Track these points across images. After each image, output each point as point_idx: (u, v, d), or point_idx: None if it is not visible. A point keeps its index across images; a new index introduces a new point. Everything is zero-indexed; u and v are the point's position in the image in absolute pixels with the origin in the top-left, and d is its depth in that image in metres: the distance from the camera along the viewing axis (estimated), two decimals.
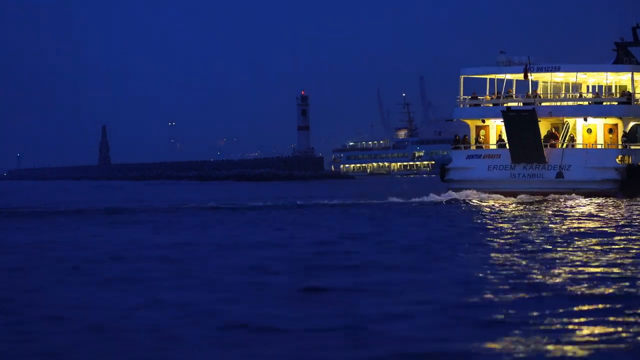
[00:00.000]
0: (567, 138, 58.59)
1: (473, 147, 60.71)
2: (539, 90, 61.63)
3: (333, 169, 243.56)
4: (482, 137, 60.97)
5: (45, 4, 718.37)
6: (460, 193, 58.19)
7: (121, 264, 24.94)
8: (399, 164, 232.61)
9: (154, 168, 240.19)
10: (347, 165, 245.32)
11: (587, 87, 64.75)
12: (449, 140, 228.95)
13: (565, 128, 58.75)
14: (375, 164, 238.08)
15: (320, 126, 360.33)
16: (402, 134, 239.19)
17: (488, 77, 62.58)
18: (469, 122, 61.77)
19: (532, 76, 59.90)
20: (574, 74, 60.61)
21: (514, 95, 61.57)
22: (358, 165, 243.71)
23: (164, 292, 19.20)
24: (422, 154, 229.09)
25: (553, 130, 58.79)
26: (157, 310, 16.82)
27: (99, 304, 17.71)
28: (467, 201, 55.26)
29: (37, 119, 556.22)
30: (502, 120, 58.67)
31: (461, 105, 62.16)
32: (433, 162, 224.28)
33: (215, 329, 14.96)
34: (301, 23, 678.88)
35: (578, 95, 61.54)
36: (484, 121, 61.10)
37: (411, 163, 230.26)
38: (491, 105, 61.36)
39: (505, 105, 59.68)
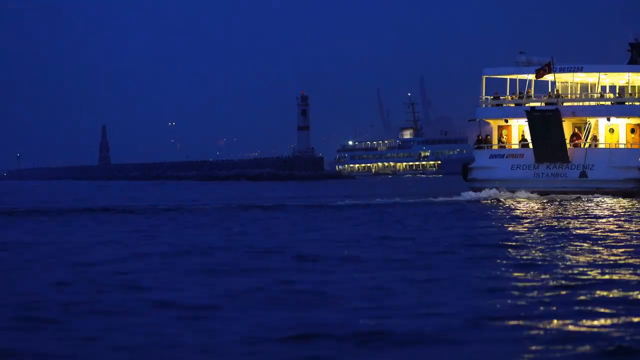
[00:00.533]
0: (589, 138, 59.20)
1: (496, 147, 61.46)
2: (559, 91, 62.05)
3: (337, 168, 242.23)
4: (504, 136, 61.65)
5: (45, 4, 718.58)
6: (484, 192, 58.93)
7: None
8: (404, 164, 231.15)
9: (154, 168, 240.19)
10: (351, 165, 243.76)
11: (603, 87, 65.22)
12: (455, 140, 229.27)
13: (587, 128, 59.38)
14: (380, 164, 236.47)
15: (320, 126, 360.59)
16: (407, 133, 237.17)
17: (508, 77, 63.28)
18: (491, 121, 62.49)
19: (553, 76, 60.15)
20: (596, 74, 61.06)
21: (532, 95, 62.22)
22: (362, 165, 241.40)
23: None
24: (428, 153, 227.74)
25: (576, 130, 59.45)
26: None
27: None
28: (510, 199, 55.96)
29: (37, 119, 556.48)
30: (526, 120, 59.35)
31: (483, 105, 62.87)
32: (439, 162, 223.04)
33: None
34: (301, 23, 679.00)
35: (599, 95, 61.96)
36: (507, 121, 61.79)
37: (417, 163, 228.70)
38: (513, 105, 62.08)
39: (528, 105, 60.43)
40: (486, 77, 62.94)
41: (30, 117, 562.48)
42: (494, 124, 62.08)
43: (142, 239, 32.51)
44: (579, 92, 63.77)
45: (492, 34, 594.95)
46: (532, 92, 62.37)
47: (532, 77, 61.46)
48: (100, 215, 48.52)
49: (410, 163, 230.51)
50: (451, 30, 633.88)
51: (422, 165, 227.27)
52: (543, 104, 60.54)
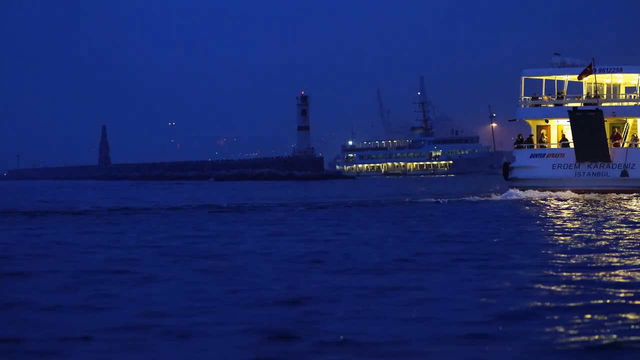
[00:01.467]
0: (628, 137, 60.07)
1: (536, 147, 62.29)
2: (591, 91, 62.80)
3: (345, 168, 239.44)
4: (544, 136, 62.45)
5: (45, 3, 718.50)
6: (529, 191, 59.82)
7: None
8: (415, 163, 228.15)
9: (154, 168, 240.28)
10: (359, 165, 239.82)
11: (627, 87, 66.21)
12: (466, 140, 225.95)
13: (626, 128, 60.28)
14: (390, 164, 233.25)
15: (321, 126, 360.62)
16: (417, 133, 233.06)
17: (545, 78, 63.98)
18: (530, 122, 63.24)
19: (594, 77, 60.89)
20: (635, 75, 62.07)
21: (564, 96, 63.16)
22: (372, 165, 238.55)
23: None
24: (439, 153, 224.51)
25: (616, 130, 60.31)
26: None
27: None
28: (559, 198, 56.31)
29: (37, 119, 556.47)
30: (568, 120, 60.21)
31: (522, 106, 63.69)
32: (451, 162, 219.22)
33: None
34: (301, 23, 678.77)
35: (638, 95, 62.42)
36: (547, 121, 62.59)
37: (428, 163, 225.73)
38: (552, 105, 63.06)
39: (568, 105, 61.44)
40: (525, 78, 63.94)
41: (30, 117, 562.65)
42: (533, 124, 62.97)
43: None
44: (620, 93, 64.91)
45: (491, 33, 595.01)
46: (565, 93, 63.37)
47: (569, 77, 62.67)
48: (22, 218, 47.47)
49: (421, 163, 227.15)
50: (451, 29, 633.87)
51: (434, 165, 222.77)
52: (582, 105, 61.50)
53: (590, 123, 58.93)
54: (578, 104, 61.68)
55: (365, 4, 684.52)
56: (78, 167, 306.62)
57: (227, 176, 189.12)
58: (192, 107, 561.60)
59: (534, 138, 62.72)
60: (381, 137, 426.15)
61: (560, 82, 63.50)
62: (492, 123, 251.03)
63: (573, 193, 58.81)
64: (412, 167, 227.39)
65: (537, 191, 59.76)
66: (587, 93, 62.76)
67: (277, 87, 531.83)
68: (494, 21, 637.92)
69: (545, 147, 62.13)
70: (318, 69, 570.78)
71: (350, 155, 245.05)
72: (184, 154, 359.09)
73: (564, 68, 62.82)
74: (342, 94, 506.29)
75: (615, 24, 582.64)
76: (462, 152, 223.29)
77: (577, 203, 51.11)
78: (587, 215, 40.55)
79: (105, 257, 25.60)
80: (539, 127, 62.71)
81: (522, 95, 63.67)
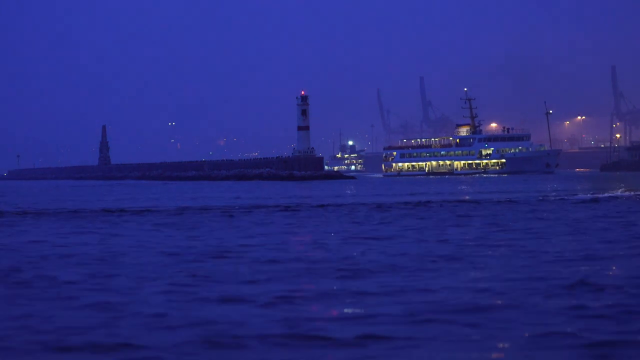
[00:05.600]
0: None
1: None
2: None
3: (384, 168, 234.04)
4: None
5: (45, 3, 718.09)
6: None
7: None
8: (462, 162, 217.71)
9: (154, 168, 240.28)
10: (399, 164, 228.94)
11: None
12: (518, 138, 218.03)
13: None
14: (434, 163, 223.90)
15: (321, 126, 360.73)
16: (463, 130, 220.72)
17: None
18: None
19: None
20: None
21: None
22: (413, 164, 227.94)
23: None
24: (490, 151, 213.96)
25: None
26: None
27: None
28: None
29: (37, 119, 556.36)
30: None
31: None
32: (504, 161, 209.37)
33: None
34: (301, 23, 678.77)
35: None
36: None
37: (477, 161, 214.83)
38: None
39: None
40: None
41: (30, 117, 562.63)
42: None
43: None
44: None
45: (488, 33, 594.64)
46: None
47: None
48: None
49: (470, 161, 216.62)
50: (451, 29, 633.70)
51: (484, 163, 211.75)
52: None
53: None
54: None
55: (366, 4, 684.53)
56: (78, 167, 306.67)
57: (228, 176, 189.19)
58: (192, 107, 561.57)
59: None
60: (381, 137, 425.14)
61: None
62: (548, 120, 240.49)
63: None
64: (459, 166, 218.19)
65: None
66: None
67: (277, 87, 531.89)
68: (491, 20, 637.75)
69: None
70: (318, 69, 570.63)
71: (391, 153, 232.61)
72: (184, 154, 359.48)
73: None
74: (342, 94, 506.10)
75: None
76: (514, 151, 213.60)
77: None
78: None
79: None
80: None
81: None
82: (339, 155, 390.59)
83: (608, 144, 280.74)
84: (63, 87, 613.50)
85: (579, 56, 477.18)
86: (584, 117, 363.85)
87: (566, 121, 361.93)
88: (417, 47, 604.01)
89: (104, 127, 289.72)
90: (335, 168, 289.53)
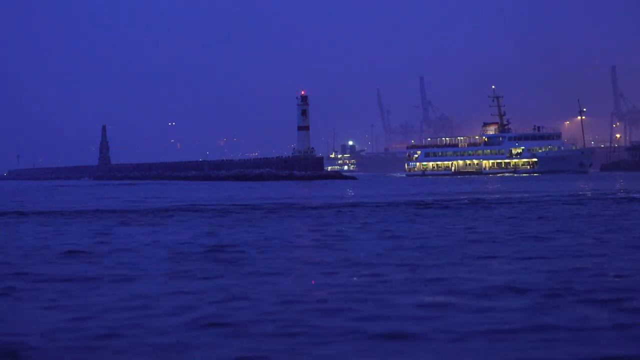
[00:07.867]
0: None
1: None
2: None
3: (407, 167, 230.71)
4: None
5: (45, 3, 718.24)
6: None
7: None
8: (491, 161, 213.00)
9: (154, 168, 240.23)
10: (424, 163, 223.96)
11: None
12: (548, 136, 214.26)
13: None
14: (461, 162, 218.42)
15: (321, 126, 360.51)
16: (491, 129, 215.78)
17: None
18: None
19: None
20: None
21: None
22: (439, 162, 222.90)
23: None
24: (520, 150, 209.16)
25: None
26: None
27: None
28: None
29: (37, 119, 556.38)
30: None
31: None
32: (535, 160, 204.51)
33: None
34: (301, 23, 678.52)
35: None
36: None
37: (507, 160, 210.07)
38: None
39: None
40: None
41: (30, 117, 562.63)
42: None
43: None
44: None
45: (488, 33, 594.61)
46: None
47: None
48: None
49: (499, 161, 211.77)
50: (451, 29, 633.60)
51: (514, 163, 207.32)
52: None
53: None
54: None
55: (366, 4, 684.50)
56: (78, 167, 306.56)
57: (228, 176, 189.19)
58: (192, 107, 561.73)
59: None
60: (381, 137, 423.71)
61: None
62: (581, 117, 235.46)
63: None
64: (487, 166, 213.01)
65: None
66: None
67: (277, 87, 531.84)
68: (491, 20, 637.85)
69: None
70: (318, 69, 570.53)
71: (415, 152, 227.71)
72: (184, 154, 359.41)
73: None
74: (342, 94, 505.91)
75: None
76: (544, 150, 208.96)
77: None
78: None
79: None
80: None
81: None
82: (332, 155, 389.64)
83: (608, 144, 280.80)
84: (63, 87, 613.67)
85: (579, 56, 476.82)
86: (584, 117, 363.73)
87: (566, 121, 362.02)
88: (417, 47, 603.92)
89: (104, 127, 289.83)
90: (329, 168, 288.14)
